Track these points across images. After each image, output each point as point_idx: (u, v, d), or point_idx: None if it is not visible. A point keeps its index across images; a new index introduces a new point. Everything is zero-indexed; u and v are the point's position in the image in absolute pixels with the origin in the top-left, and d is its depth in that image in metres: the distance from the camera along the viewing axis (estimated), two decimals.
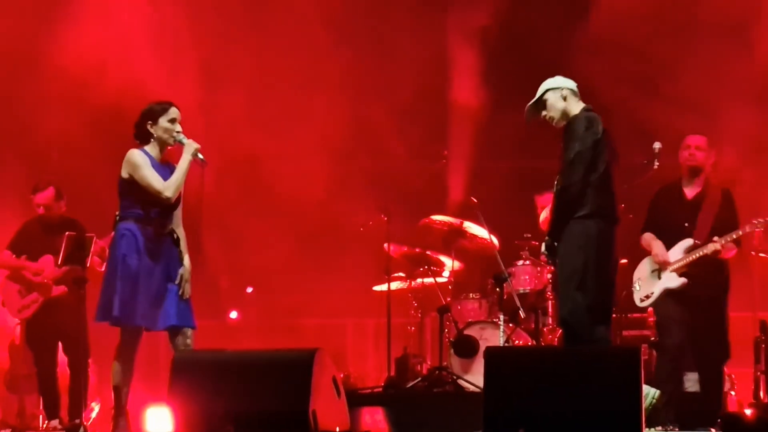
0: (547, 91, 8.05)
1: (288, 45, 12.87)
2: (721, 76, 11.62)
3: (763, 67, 11.53)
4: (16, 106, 12.13)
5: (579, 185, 7.73)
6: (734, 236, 9.01)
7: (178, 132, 7.95)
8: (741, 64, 11.62)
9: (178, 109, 8.02)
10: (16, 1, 12.13)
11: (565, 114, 8.00)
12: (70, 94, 11.81)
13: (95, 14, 12.13)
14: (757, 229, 9.08)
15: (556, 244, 7.90)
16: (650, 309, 9.59)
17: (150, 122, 7.96)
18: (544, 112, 8.08)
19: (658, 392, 7.98)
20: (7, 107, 12.10)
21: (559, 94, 8.00)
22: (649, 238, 9.27)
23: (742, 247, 9.40)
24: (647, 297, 9.21)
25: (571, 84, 8.08)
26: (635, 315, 10.41)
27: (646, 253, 9.36)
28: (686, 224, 9.18)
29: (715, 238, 8.98)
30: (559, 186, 7.87)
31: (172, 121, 7.96)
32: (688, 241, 9.15)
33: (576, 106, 7.99)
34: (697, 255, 9.03)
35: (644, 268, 9.33)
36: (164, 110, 7.97)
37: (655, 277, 9.17)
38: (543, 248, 8.09)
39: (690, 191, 9.26)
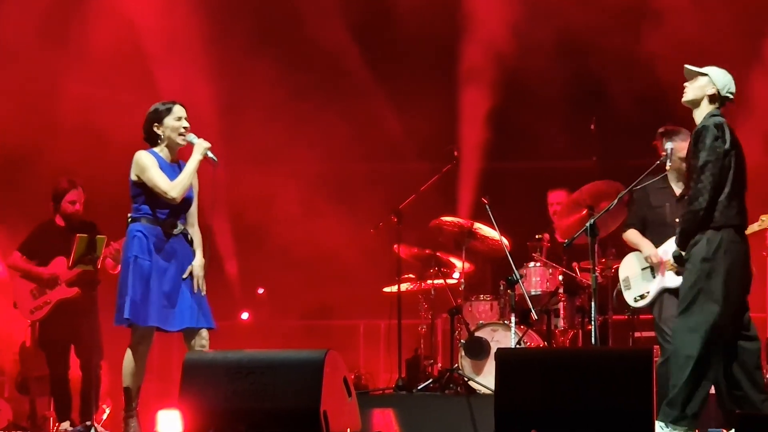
0: (705, 75, 7.83)
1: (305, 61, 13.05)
2: None
3: None
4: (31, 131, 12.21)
5: (707, 194, 7.61)
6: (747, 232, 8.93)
7: (185, 128, 7.94)
8: None
9: (184, 107, 8.01)
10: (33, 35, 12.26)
11: (695, 102, 7.85)
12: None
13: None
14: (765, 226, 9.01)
15: (683, 254, 7.79)
16: None
17: (156, 123, 7.94)
18: (687, 83, 7.91)
19: None
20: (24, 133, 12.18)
21: (711, 86, 7.81)
22: (635, 236, 9.01)
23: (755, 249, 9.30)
24: (642, 297, 9.00)
25: (727, 88, 7.87)
26: (648, 316, 10.36)
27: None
28: (677, 221, 9.07)
29: None
30: (688, 195, 7.75)
31: (179, 119, 7.95)
32: None
33: (707, 108, 7.82)
34: None
35: (632, 265, 9.08)
36: (169, 110, 7.95)
37: (647, 276, 8.93)
38: (672, 260, 7.98)
39: (678, 188, 9.09)
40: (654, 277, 8.89)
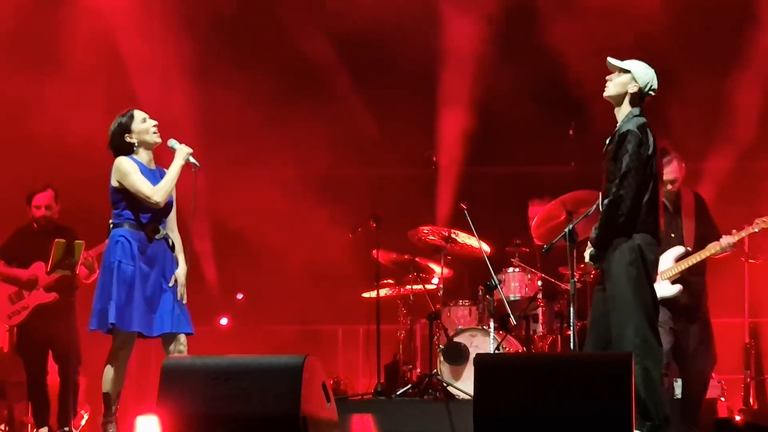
0: (628, 71, 7.69)
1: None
2: None
3: None
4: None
5: (629, 201, 7.52)
6: (744, 234, 8.97)
7: (155, 126, 7.94)
8: None
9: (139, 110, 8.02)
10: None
11: (618, 99, 7.71)
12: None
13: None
14: (757, 230, 9.03)
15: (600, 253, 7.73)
16: None
17: (126, 134, 7.92)
18: (609, 77, 7.77)
19: None
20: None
21: (633, 84, 7.66)
22: None
23: (734, 254, 9.37)
24: None
25: (650, 85, 7.70)
26: None
27: None
28: (672, 234, 9.12)
29: (733, 231, 8.93)
30: (608, 198, 7.62)
31: (144, 120, 7.95)
32: (679, 249, 9.12)
33: (628, 107, 7.69)
34: (699, 258, 8.99)
35: None
36: (131, 117, 7.94)
37: None
38: (587, 257, 7.93)
39: (667, 202, 9.13)
40: None
